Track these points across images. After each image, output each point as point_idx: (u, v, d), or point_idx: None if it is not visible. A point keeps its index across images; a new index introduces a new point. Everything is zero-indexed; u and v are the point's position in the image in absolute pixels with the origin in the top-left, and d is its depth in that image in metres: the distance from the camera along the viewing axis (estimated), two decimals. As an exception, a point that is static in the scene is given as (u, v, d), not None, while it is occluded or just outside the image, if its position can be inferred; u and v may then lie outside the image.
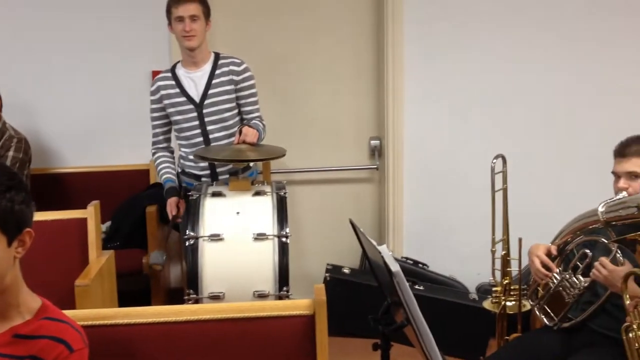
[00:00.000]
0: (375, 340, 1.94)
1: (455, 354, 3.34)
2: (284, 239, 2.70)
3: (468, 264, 3.81)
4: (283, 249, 2.69)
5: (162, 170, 3.27)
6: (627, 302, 2.04)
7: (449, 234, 3.96)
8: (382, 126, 3.96)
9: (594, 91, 3.83)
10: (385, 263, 1.71)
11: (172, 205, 3.16)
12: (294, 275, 2.79)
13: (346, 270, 3.67)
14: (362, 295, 3.50)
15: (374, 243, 1.84)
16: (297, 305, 2.00)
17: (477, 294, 3.64)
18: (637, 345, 2.00)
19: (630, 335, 2.02)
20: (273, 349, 1.97)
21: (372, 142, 4.04)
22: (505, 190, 3.01)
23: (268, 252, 2.69)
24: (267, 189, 2.91)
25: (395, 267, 1.69)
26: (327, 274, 3.62)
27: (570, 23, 3.78)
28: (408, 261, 3.84)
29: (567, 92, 3.84)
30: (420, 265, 3.85)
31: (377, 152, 4.03)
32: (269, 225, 2.73)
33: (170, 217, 3.17)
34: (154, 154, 3.32)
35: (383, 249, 1.75)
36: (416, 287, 3.53)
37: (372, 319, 1.91)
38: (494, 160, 3.00)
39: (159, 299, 3.62)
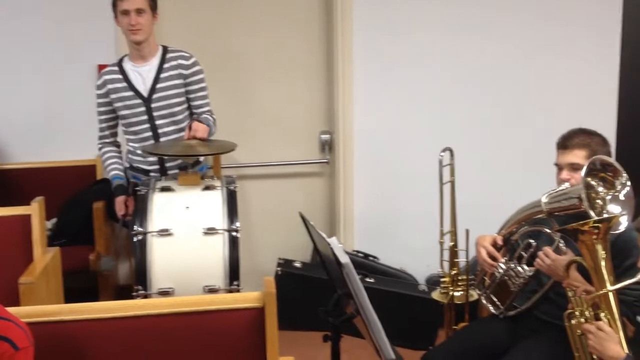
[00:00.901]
0: (326, 333, 1.95)
1: (405, 345, 3.37)
2: (234, 233, 2.69)
3: (418, 256, 3.85)
4: (233, 243, 2.68)
5: (109, 166, 3.21)
6: (569, 290, 2.10)
7: (399, 227, 4.00)
8: (332, 120, 3.97)
9: (538, 86, 3.92)
10: (334, 255, 1.72)
11: (120, 204, 3.11)
12: (246, 270, 2.78)
13: (297, 264, 3.68)
14: (314, 288, 3.50)
15: (324, 235, 1.85)
16: (246, 298, 1.99)
17: (426, 286, 3.69)
18: (578, 331, 2.06)
19: (573, 321, 2.08)
20: (223, 342, 1.96)
21: (322, 136, 4.04)
22: (452, 182, 3.06)
23: (218, 246, 2.67)
24: (217, 183, 2.89)
25: (344, 259, 1.70)
26: (278, 268, 3.62)
27: (517, 19, 3.85)
28: (359, 254, 3.87)
29: (513, 87, 3.91)
30: (371, 258, 3.88)
31: (327, 146, 4.04)
32: (219, 219, 2.71)
33: (119, 216, 3.12)
34: (100, 148, 3.26)
35: (333, 241, 1.76)
36: (367, 279, 3.56)
37: (323, 310, 1.91)
38: (442, 153, 3.05)
39: (107, 296, 3.56)
